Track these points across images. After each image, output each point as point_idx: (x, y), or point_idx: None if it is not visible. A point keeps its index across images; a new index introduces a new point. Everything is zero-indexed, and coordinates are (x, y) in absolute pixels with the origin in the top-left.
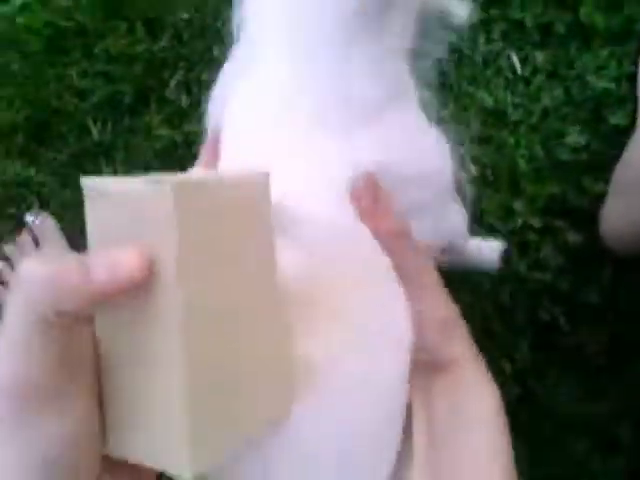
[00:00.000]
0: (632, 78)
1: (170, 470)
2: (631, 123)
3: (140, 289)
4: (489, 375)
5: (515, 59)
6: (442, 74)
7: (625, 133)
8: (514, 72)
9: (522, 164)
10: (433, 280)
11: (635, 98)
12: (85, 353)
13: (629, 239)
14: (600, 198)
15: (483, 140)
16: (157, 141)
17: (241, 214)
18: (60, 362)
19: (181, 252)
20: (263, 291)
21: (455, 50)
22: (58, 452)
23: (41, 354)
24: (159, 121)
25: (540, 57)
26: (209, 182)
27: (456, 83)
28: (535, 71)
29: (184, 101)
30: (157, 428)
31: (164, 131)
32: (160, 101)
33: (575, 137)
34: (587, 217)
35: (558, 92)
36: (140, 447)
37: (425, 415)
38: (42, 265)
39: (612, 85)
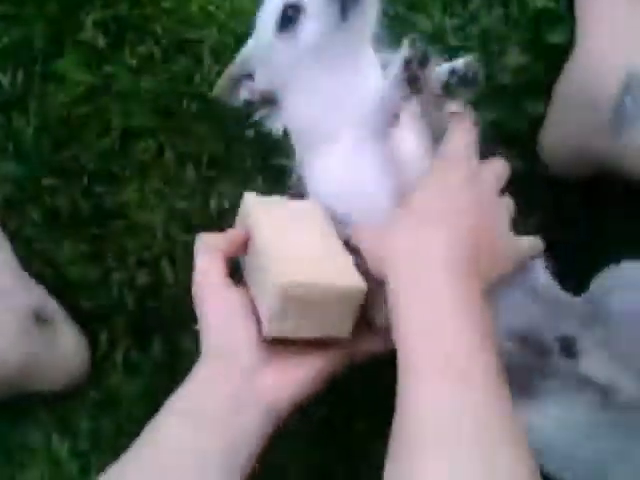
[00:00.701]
0: None
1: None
2: (570, 42)
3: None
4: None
5: None
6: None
7: (565, 52)
8: None
9: None
10: None
11: (573, 15)
12: None
13: (566, 157)
14: (541, 121)
15: None
16: (74, 87)
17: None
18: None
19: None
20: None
21: None
22: None
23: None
24: (75, 65)
25: None
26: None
27: (393, 8)
28: None
29: (101, 42)
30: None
31: (81, 76)
32: (75, 43)
33: (515, 58)
34: (528, 142)
35: (497, 12)
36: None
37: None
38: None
39: (551, 3)
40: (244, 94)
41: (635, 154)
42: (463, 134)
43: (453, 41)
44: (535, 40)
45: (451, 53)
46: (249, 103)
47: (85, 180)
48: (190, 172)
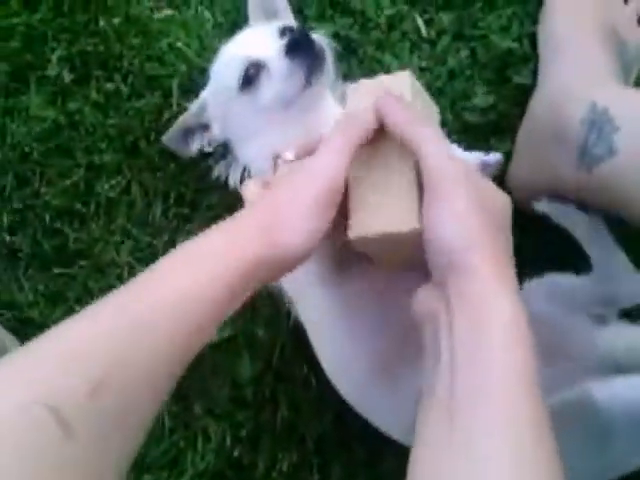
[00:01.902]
0: (534, 37)
1: (402, 227)
2: (534, 82)
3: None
4: (510, 286)
5: (420, 21)
6: (347, 39)
7: (529, 92)
8: (419, 35)
9: None
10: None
11: (537, 57)
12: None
13: (534, 192)
14: (508, 158)
15: None
16: (38, 123)
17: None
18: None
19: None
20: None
21: (359, 14)
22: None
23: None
24: (40, 101)
25: (445, 19)
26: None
27: (361, 48)
28: (440, 33)
29: (67, 77)
30: (392, 206)
31: (46, 112)
32: (40, 79)
33: (482, 98)
34: (495, 179)
35: (464, 53)
36: (375, 223)
37: (447, 332)
38: None
39: (516, 45)
40: (198, 144)
41: (604, 188)
42: None
43: (421, 81)
44: (501, 80)
45: None
46: (203, 153)
47: (47, 218)
48: (157, 210)
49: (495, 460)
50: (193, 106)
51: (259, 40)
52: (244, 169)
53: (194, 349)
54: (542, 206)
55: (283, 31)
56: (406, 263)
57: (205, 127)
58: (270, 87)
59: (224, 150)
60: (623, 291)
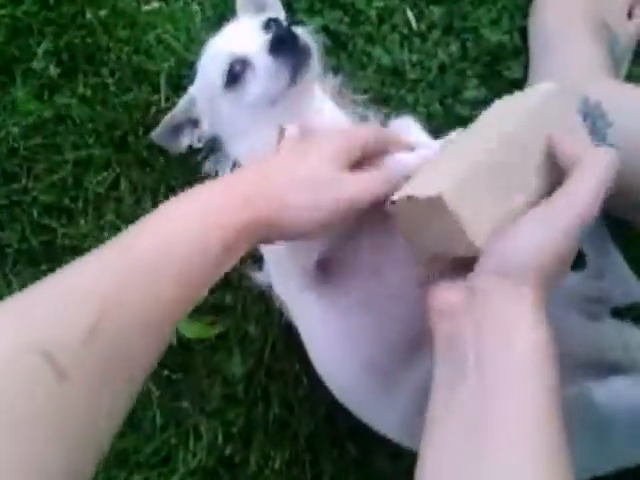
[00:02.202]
0: (524, 30)
1: (427, 192)
2: (525, 75)
3: None
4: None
5: (410, 15)
6: (337, 33)
7: (520, 86)
8: (410, 28)
9: (421, 122)
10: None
11: (527, 50)
12: None
13: None
14: None
15: (382, 99)
16: (24, 117)
17: None
18: None
19: None
20: None
21: (349, 7)
22: None
23: None
24: (26, 95)
25: (435, 12)
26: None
27: (351, 41)
28: (431, 27)
29: (53, 71)
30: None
31: (32, 106)
32: (26, 72)
33: (473, 92)
34: None
35: (454, 47)
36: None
37: (473, 336)
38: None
39: (506, 38)
40: (188, 140)
41: None
42: None
43: (412, 75)
44: (492, 74)
45: (410, 87)
46: (193, 149)
47: (35, 214)
48: (146, 205)
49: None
50: (182, 102)
51: (244, 35)
52: (234, 165)
53: (190, 299)
54: None
55: (268, 23)
56: (447, 255)
57: (194, 123)
58: (255, 84)
59: (214, 145)
60: (616, 289)
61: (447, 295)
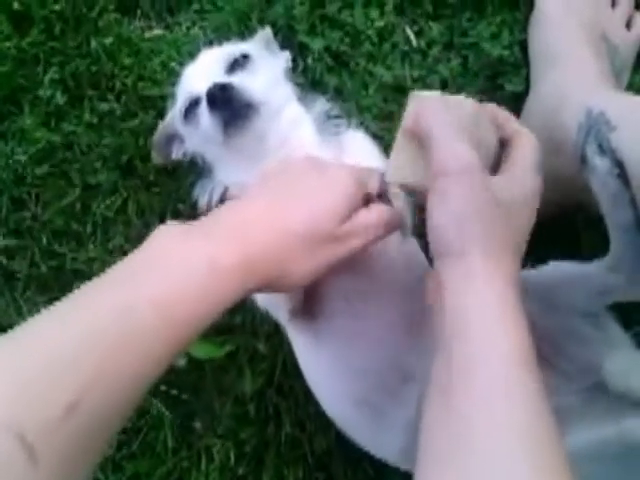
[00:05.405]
0: (524, 44)
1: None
2: (526, 88)
3: None
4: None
5: (410, 32)
6: (338, 53)
7: (522, 99)
8: (410, 45)
9: None
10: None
11: (528, 63)
12: None
13: None
14: None
15: (385, 117)
16: (32, 145)
17: None
18: None
19: None
20: None
21: (350, 27)
22: None
23: None
24: (33, 123)
25: (435, 28)
26: None
27: (353, 61)
28: (431, 43)
29: (60, 99)
30: None
31: (39, 133)
32: (33, 101)
33: None
34: None
35: (455, 62)
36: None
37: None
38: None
39: (507, 52)
40: (176, 152)
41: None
42: None
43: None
44: (493, 88)
45: None
46: (180, 162)
47: (44, 240)
48: (154, 228)
49: (493, 434)
50: (168, 116)
51: (204, 71)
52: (225, 190)
53: (181, 347)
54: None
55: (233, 65)
56: None
57: (181, 138)
58: (202, 125)
59: (203, 169)
60: (627, 285)
61: (431, 287)
